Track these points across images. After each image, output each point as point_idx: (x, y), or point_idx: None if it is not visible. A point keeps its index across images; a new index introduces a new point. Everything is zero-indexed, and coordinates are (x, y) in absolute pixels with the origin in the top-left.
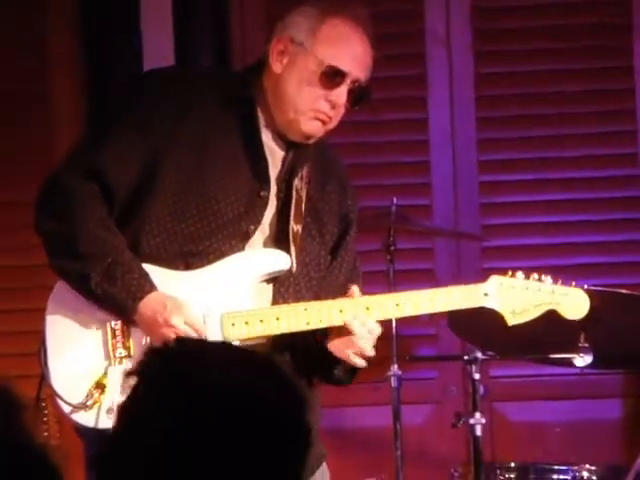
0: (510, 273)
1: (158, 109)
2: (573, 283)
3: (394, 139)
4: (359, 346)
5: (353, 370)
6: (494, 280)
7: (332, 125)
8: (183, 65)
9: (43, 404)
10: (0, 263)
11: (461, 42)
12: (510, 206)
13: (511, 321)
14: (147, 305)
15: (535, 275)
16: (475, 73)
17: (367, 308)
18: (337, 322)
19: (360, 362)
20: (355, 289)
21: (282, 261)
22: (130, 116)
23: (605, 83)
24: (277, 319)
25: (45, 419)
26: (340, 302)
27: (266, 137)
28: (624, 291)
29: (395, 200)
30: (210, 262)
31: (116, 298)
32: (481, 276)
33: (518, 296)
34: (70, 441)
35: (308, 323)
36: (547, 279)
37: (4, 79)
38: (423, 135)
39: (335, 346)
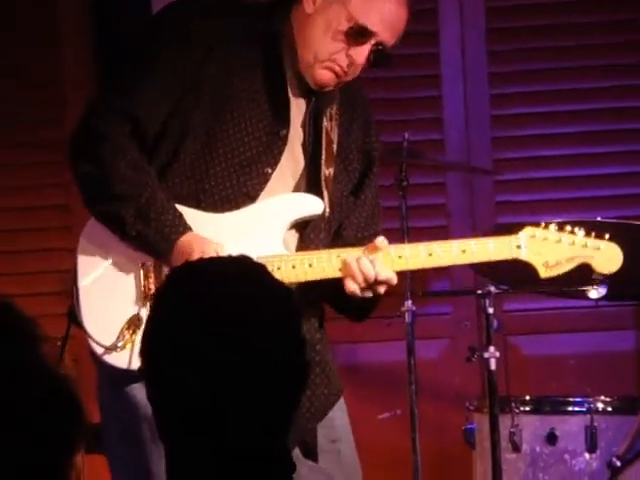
0: (543, 225)
1: (183, 49)
2: (607, 236)
3: (405, 74)
4: (348, 284)
5: (364, 307)
6: (527, 232)
7: (347, 79)
8: None
9: (58, 343)
10: (17, 204)
11: None
12: (522, 140)
13: (544, 274)
14: (182, 247)
15: (568, 227)
16: (486, 6)
17: (399, 257)
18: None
19: (351, 286)
20: (382, 240)
21: (316, 206)
22: (158, 58)
23: (624, 13)
24: (310, 265)
25: (62, 357)
26: (373, 250)
27: (290, 76)
28: (638, 223)
29: (407, 135)
30: (228, 204)
31: (150, 239)
32: (494, 210)
33: (551, 248)
34: (86, 381)
35: (340, 270)
36: (580, 232)
37: (8, 21)
38: (434, 70)
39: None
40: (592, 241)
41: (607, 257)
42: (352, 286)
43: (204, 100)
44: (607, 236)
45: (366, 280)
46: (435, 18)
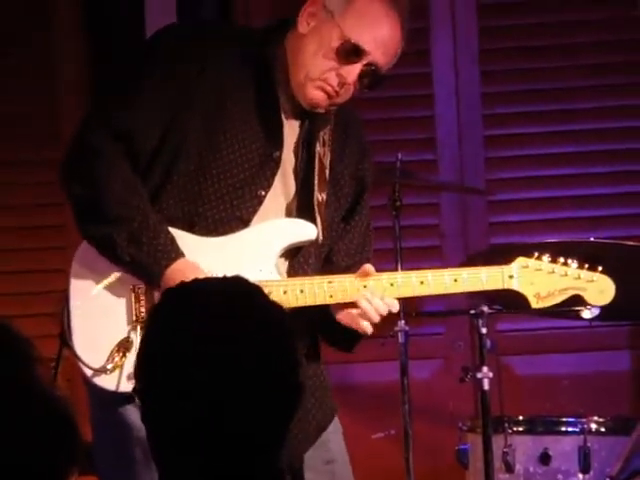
0: (536, 255)
1: (178, 69)
2: (600, 268)
3: (398, 94)
4: (359, 323)
5: (354, 338)
6: (519, 262)
7: (340, 101)
8: (202, 22)
9: (52, 364)
10: (16, 224)
11: None
12: (515, 160)
13: (535, 304)
14: (172, 273)
15: (561, 259)
16: (479, 26)
17: (391, 285)
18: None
19: (366, 327)
20: (369, 266)
21: (310, 231)
22: (151, 78)
23: (615, 34)
24: (301, 291)
25: (55, 377)
26: (365, 278)
27: (284, 100)
28: (630, 243)
29: (400, 155)
30: (222, 227)
31: (142, 264)
32: (487, 230)
33: (543, 279)
34: (79, 402)
35: (332, 296)
36: (573, 264)
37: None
38: (427, 90)
39: (342, 314)
40: (585, 273)
41: (600, 289)
42: (362, 323)
43: (197, 119)
44: (600, 268)
45: (378, 314)
46: (428, 38)
